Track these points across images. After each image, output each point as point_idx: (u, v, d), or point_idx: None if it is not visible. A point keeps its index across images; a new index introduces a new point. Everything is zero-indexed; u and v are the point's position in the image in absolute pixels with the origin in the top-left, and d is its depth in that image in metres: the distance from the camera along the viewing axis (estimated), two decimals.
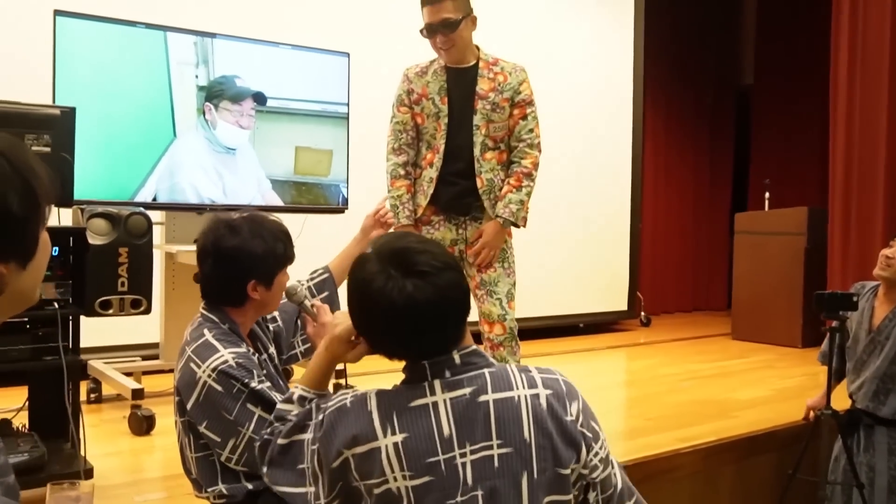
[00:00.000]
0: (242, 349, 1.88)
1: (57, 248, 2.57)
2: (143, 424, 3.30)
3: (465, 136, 3.14)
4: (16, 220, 0.99)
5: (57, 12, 3.39)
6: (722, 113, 8.74)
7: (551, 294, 6.17)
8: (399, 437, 1.37)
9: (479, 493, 1.36)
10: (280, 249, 1.97)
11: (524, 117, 3.16)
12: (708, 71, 8.56)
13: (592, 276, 6.63)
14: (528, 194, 3.15)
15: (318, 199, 4.13)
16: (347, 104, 4.21)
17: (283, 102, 4.02)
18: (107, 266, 2.76)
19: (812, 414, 3.36)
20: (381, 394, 1.44)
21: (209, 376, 1.80)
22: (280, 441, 1.56)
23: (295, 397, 1.64)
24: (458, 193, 3.16)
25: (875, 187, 5.68)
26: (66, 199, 2.66)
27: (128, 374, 3.69)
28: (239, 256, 1.91)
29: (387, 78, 5.45)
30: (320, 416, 1.47)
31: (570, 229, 6.43)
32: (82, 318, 2.70)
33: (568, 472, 1.39)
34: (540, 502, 1.37)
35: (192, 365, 1.84)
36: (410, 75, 3.23)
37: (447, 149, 3.14)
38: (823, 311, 3.07)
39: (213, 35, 3.79)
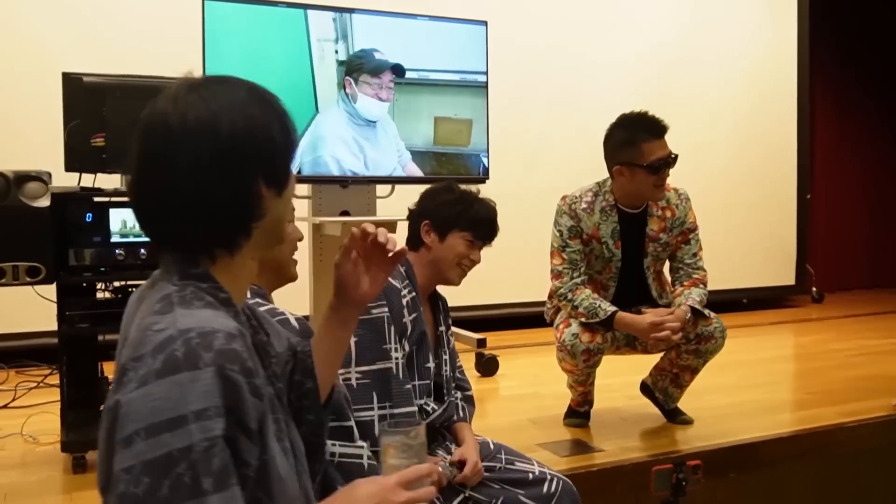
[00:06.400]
0: None
1: None
2: None
3: (637, 279, 2.97)
4: (277, 148, 1.12)
5: None
6: None
7: (709, 267, 5.87)
8: None
9: None
10: None
11: (687, 242, 2.97)
12: (891, 25, 7.84)
13: (756, 248, 6.27)
14: (706, 295, 2.92)
15: (458, 169, 4.12)
16: (486, 73, 4.17)
17: (422, 73, 4.03)
18: None
19: None
20: None
21: None
22: None
23: None
24: None
25: None
26: None
27: None
28: None
29: (525, 46, 5.44)
30: None
31: (731, 199, 6.10)
32: None
33: None
34: None
35: None
36: (578, 211, 2.90)
37: (617, 292, 2.97)
38: None
39: (351, 10, 3.86)
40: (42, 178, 2.66)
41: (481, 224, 2.17)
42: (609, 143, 2.89)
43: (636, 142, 2.79)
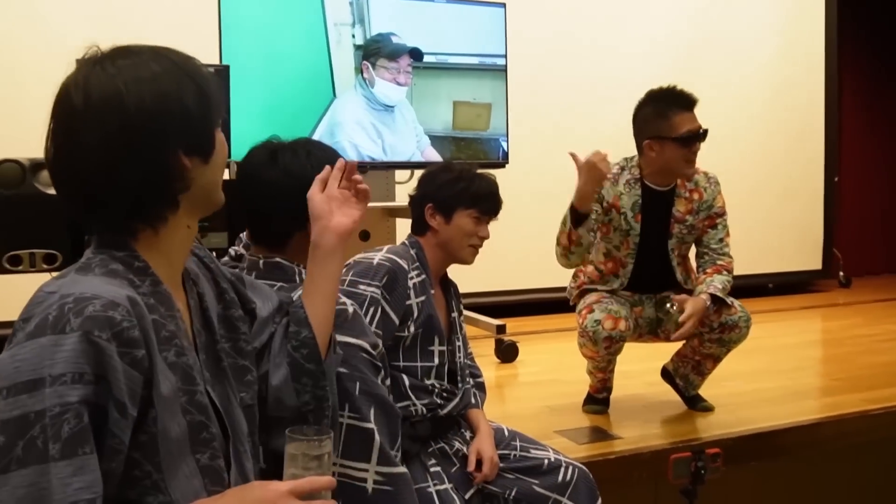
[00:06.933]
0: None
1: None
2: None
3: (660, 261, 2.91)
4: (193, 118, 1.10)
5: None
6: None
7: (735, 252, 5.78)
8: None
9: None
10: None
11: (714, 226, 2.91)
12: None
13: (782, 232, 6.16)
14: (729, 282, 2.86)
15: (477, 153, 4.09)
16: (505, 56, 4.12)
17: (440, 57, 4.00)
18: None
19: None
20: None
21: None
22: None
23: None
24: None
25: None
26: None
27: None
28: None
29: (545, 28, 5.36)
30: None
31: (757, 183, 5.99)
32: None
33: None
34: None
35: None
36: None
37: (636, 269, 2.91)
38: None
39: None
40: None
41: (485, 198, 2.15)
42: (638, 118, 2.85)
43: (666, 114, 2.76)
